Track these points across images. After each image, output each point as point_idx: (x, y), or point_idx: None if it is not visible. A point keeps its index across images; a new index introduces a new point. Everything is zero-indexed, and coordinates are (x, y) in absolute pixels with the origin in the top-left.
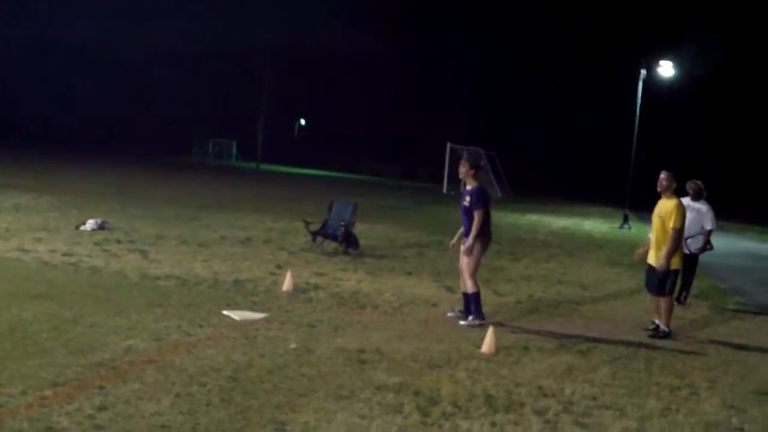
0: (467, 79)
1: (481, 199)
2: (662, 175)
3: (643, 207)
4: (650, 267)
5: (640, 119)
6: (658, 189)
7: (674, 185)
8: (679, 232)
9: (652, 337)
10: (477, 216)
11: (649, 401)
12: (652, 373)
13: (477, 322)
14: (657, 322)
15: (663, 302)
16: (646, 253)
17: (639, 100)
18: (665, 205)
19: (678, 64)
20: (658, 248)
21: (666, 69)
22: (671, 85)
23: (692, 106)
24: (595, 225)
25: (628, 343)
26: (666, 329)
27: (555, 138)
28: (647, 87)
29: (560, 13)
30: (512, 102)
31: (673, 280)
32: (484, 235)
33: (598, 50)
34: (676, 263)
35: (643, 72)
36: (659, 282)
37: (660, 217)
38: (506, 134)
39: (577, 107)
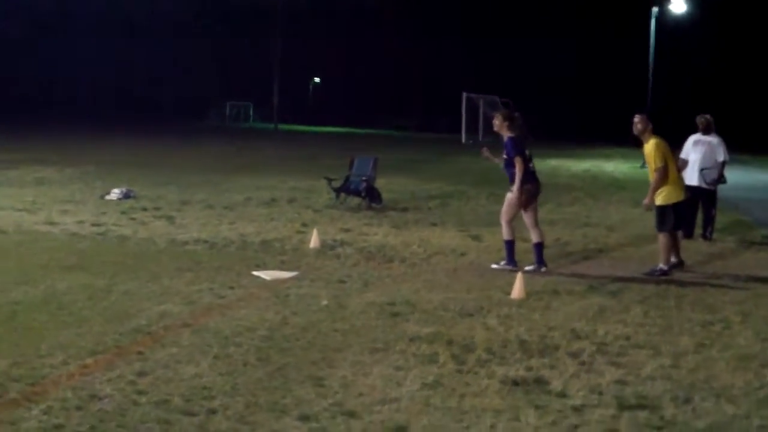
0: (479, 26)
1: (517, 146)
2: (635, 119)
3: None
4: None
5: (655, 57)
6: (635, 133)
7: (650, 126)
8: (662, 170)
9: (649, 275)
10: (518, 163)
11: (682, 338)
12: (684, 310)
13: (508, 267)
14: (673, 259)
15: (659, 239)
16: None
17: (652, 39)
18: (646, 149)
19: None
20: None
21: (678, 5)
22: (684, 21)
23: (707, 40)
24: (617, 166)
25: (658, 282)
26: (663, 267)
27: (570, 81)
28: (660, 24)
29: None
30: (525, 47)
31: (669, 217)
32: (525, 182)
33: None
34: (669, 198)
35: (655, 9)
36: (655, 219)
37: (647, 161)
38: (521, 80)
39: (590, 48)
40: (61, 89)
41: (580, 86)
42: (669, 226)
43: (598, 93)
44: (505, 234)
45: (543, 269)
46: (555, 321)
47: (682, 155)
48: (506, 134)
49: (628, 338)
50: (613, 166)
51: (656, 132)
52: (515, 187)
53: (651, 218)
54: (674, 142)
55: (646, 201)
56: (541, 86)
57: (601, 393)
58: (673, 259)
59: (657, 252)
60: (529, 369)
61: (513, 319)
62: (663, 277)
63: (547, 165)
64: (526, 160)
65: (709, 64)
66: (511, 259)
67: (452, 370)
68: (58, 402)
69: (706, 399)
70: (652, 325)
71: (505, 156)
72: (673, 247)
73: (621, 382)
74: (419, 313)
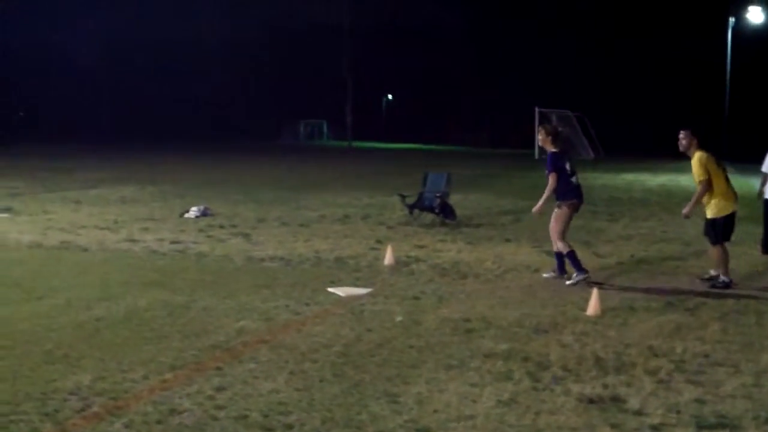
0: (552, 41)
1: (552, 162)
2: (681, 135)
3: (740, 158)
4: (705, 219)
5: (732, 68)
6: (681, 149)
7: (695, 141)
8: (705, 182)
9: (712, 287)
10: (550, 179)
11: (763, 356)
12: (764, 327)
13: (580, 277)
14: (712, 272)
15: (712, 252)
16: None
17: (729, 49)
18: (692, 163)
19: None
20: (706, 203)
21: (755, 15)
22: (762, 32)
23: None
24: (692, 180)
25: (737, 298)
26: (725, 279)
27: (645, 94)
28: (737, 35)
29: None
30: (598, 60)
31: (719, 230)
32: (568, 196)
33: (684, 1)
34: (719, 212)
35: (732, 20)
36: (705, 232)
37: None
38: (594, 94)
39: (665, 60)
40: (138, 112)
41: (656, 99)
42: (721, 239)
43: (673, 106)
44: (563, 248)
45: (584, 276)
46: (631, 338)
47: (763, 168)
48: (549, 149)
49: (706, 356)
50: (689, 180)
51: (734, 144)
52: (542, 198)
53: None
54: (752, 155)
55: (685, 210)
56: (615, 100)
57: (679, 412)
58: (712, 272)
59: (737, 268)
60: (605, 387)
61: (588, 335)
62: (727, 290)
63: (622, 179)
64: (565, 176)
65: None
66: (580, 268)
67: (527, 387)
68: (139, 416)
69: None
70: (732, 342)
71: (546, 171)
72: (724, 260)
73: (700, 401)
74: (494, 330)
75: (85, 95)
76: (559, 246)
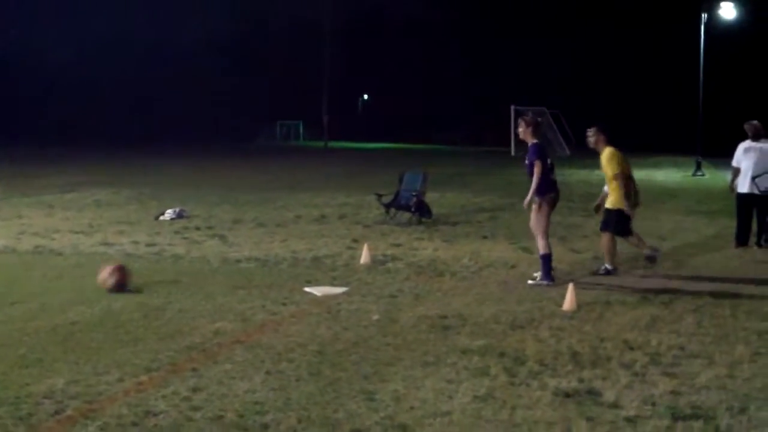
0: (526, 40)
1: (537, 151)
2: (588, 133)
3: (716, 153)
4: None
5: (705, 64)
6: (590, 146)
7: (602, 137)
8: (619, 176)
9: (594, 273)
10: (536, 167)
11: (737, 347)
12: (738, 319)
13: (544, 283)
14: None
15: (602, 238)
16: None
17: (702, 45)
18: (601, 159)
19: (739, 4)
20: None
21: (727, 11)
22: (734, 28)
23: (757, 46)
24: (668, 174)
25: (711, 291)
26: (608, 266)
27: (618, 90)
28: (710, 31)
29: None
30: (573, 58)
31: (615, 220)
32: (548, 191)
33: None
34: (614, 204)
35: (705, 16)
36: (606, 219)
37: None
38: (569, 92)
39: (639, 57)
40: (111, 113)
41: (630, 96)
42: (613, 228)
43: (647, 102)
44: (542, 247)
45: (547, 283)
46: (607, 332)
47: (734, 163)
48: (530, 140)
49: (681, 348)
50: (664, 174)
51: (710, 139)
52: (531, 189)
53: (702, 226)
54: (727, 150)
55: (626, 209)
56: (589, 97)
57: (654, 404)
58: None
59: (711, 261)
60: (581, 380)
61: (564, 330)
62: (609, 276)
63: (598, 176)
64: (547, 167)
65: (760, 70)
66: (548, 274)
67: (504, 382)
68: (114, 418)
69: (762, 408)
70: (706, 335)
71: (526, 162)
72: (610, 249)
73: (675, 393)
74: (470, 326)
75: (57, 98)
76: (540, 244)
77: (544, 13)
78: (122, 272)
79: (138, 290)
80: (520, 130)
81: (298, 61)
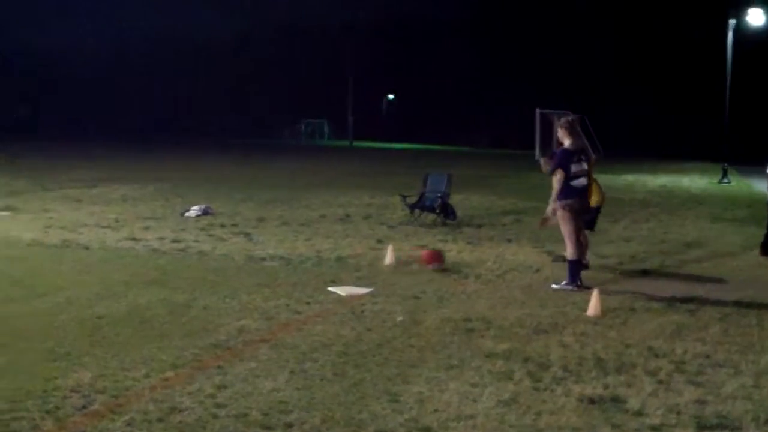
0: (553, 42)
1: (559, 158)
2: (541, 161)
3: (742, 161)
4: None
5: (732, 70)
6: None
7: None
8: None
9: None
10: (558, 174)
11: (763, 357)
12: (765, 328)
13: (568, 287)
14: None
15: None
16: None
17: (730, 51)
18: None
19: None
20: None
21: (756, 17)
22: (763, 34)
23: None
24: (693, 181)
25: (737, 300)
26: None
27: (644, 95)
28: (738, 37)
29: None
30: (599, 62)
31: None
32: (566, 197)
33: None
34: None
35: (733, 22)
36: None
37: None
38: (595, 95)
39: (666, 62)
40: (140, 110)
41: (656, 101)
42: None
43: (674, 108)
44: (570, 253)
45: (572, 288)
46: (632, 339)
47: None
48: (565, 143)
49: (707, 357)
50: (690, 181)
51: (737, 146)
52: (551, 200)
53: (729, 233)
54: (753, 158)
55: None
56: (616, 101)
57: (679, 413)
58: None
59: (737, 269)
60: (605, 387)
61: (589, 336)
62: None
63: (623, 180)
64: (569, 175)
65: None
66: (573, 280)
67: (528, 387)
68: (140, 414)
69: None
70: (732, 344)
71: (550, 168)
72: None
73: (700, 402)
74: (495, 330)
75: (90, 94)
76: (568, 250)
77: (571, 16)
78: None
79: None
80: (559, 132)
81: (323, 60)
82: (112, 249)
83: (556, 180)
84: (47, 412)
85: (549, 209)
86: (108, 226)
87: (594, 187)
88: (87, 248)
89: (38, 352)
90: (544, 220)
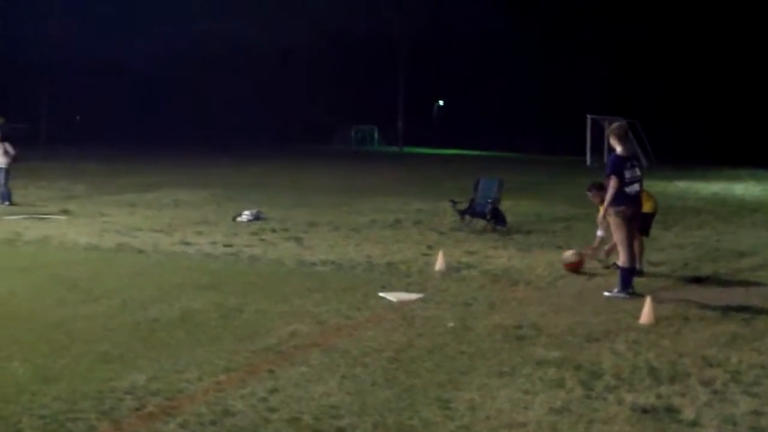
0: (604, 48)
1: (613, 164)
2: (589, 194)
3: None
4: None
5: None
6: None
7: (602, 196)
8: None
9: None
10: (612, 181)
11: None
12: None
13: (620, 295)
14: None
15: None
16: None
17: None
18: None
19: None
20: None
21: None
22: None
23: None
24: (747, 188)
25: None
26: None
27: (698, 101)
28: None
29: None
30: (652, 67)
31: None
32: (618, 204)
33: (735, 4)
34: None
35: None
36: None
37: None
38: (647, 101)
39: (718, 67)
40: (189, 118)
41: (709, 107)
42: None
43: (727, 114)
44: (622, 260)
45: (624, 296)
46: (685, 348)
47: None
48: (617, 148)
49: (763, 367)
50: (743, 188)
51: None
52: (604, 206)
53: None
54: None
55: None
56: (668, 108)
57: (735, 423)
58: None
59: None
60: (659, 397)
61: (642, 344)
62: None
63: (675, 187)
64: (623, 181)
65: None
66: (626, 287)
67: (580, 395)
68: (194, 416)
69: None
70: None
71: (605, 173)
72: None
73: (756, 413)
74: (546, 337)
75: (144, 100)
76: (621, 257)
77: (625, 22)
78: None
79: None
80: (611, 139)
81: (374, 67)
82: (165, 253)
83: (610, 186)
84: (103, 413)
85: (600, 215)
86: (161, 231)
87: (646, 195)
88: (141, 252)
89: (94, 355)
90: (594, 251)
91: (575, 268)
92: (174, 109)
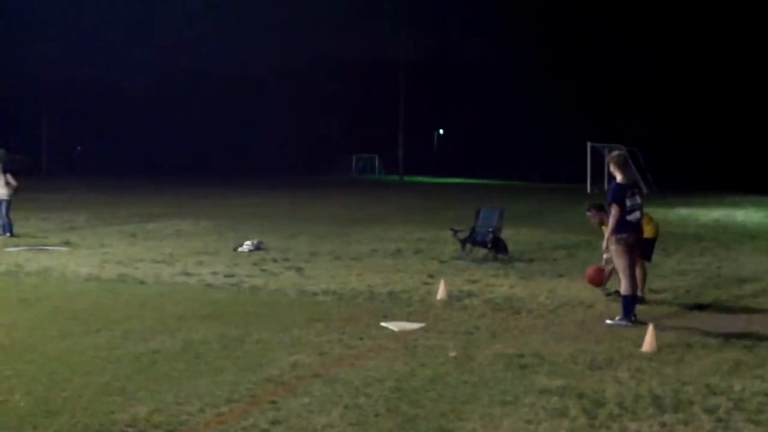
0: (603, 76)
1: (614, 193)
2: (588, 214)
3: None
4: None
5: None
6: (595, 226)
7: (604, 217)
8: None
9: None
10: (613, 210)
11: None
12: None
13: (622, 323)
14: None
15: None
16: None
17: None
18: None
19: None
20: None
21: None
22: None
23: None
24: (748, 215)
25: None
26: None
27: (697, 128)
28: None
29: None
30: (649, 95)
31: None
32: (620, 231)
33: (736, 32)
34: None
35: None
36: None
37: None
38: (647, 129)
39: (718, 94)
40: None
41: (709, 135)
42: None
43: (727, 142)
44: (624, 288)
45: (626, 324)
46: (688, 375)
47: None
48: (618, 177)
49: (766, 394)
50: (744, 215)
51: None
52: (606, 235)
53: None
54: None
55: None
56: (668, 136)
57: None
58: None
59: None
60: (662, 425)
61: (644, 372)
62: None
63: (676, 214)
64: (625, 209)
65: None
66: (628, 315)
67: (584, 424)
68: None
69: None
70: None
71: (606, 201)
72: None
73: None
74: (548, 366)
75: (139, 130)
76: (623, 285)
77: (623, 50)
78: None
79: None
80: (611, 166)
81: (374, 95)
82: (166, 284)
83: (612, 215)
84: None
85: (604, 244)
86: (163, 261)
87: (646, 219)
88: (142, 283)
89: (96, 387)
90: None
91: (596, 279)
92: (174, 138)
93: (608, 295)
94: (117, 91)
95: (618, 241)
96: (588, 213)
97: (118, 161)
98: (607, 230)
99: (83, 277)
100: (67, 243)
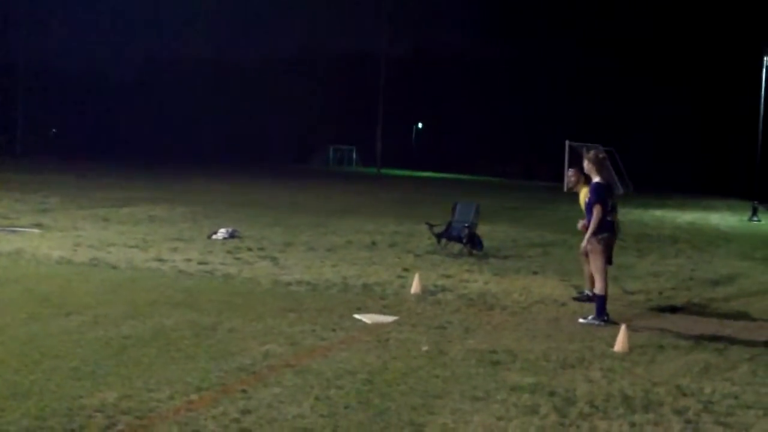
0: (583, 75)
1: (597, 192)
2: (569, 173)
3: None
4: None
5: (765, 108)
6: (569, 186)
7: (582, 178)
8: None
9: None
10: (595, 210)
11: None
12: None
13: (595, 322)
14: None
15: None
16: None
17: (763, 89)
18: (581, 197)
19: None
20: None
21: None
22: None
23: None
24: (723, 218)
25: (767, 340)
26: (587, 292)
27: (675, 131)
28: None
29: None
30: (628, 95)
31: None
32: (601, 231)
33: (718, 37)
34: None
35: (767, 59)
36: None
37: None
38: (625, 130)
39: (697, 99)
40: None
41: (686, 137)
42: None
43: (704, 144)
44: (599, 288)
45: (598, 323)
46: (659, 376)
47: None
48: (595, 178)
49: (736, 397)
50: (719, 218)
51: (748, 184)
52: (587, 235)
53: (758, 272)
54: None
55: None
56: (645, 137)
57: None
58: (586, 292)
59: (767, 308)
60: (632, 425)
61: (616, 372)
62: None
63: (651, 216)
64: (606, 209)
65: None
66: (601, 314)
67: (554, 422)
68: None
69: None
70: (761, 384)
71: (586, 200)
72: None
73: None
74: (520, 362)
75: (118, 115)
76: (597, 285)
77: (605, 50)
78: None
79: None
80: (586, 166)
81: (353, 87)
82: (139, 269)
83: (594, 215)
84: (71, 431)
85: (584, 243)
86: (136, 246)
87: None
88: (115, 267)
89: (65, 371)
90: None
91: None
92: (150, 124)
93: (575, 298)
94: (97, 75)
95: (599, 241)
96: (570, 170)
97: (96, 146)
98: (590, 228)
99: (55, 260)
100: (39, 225)
